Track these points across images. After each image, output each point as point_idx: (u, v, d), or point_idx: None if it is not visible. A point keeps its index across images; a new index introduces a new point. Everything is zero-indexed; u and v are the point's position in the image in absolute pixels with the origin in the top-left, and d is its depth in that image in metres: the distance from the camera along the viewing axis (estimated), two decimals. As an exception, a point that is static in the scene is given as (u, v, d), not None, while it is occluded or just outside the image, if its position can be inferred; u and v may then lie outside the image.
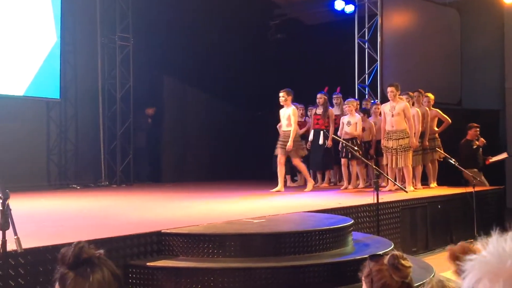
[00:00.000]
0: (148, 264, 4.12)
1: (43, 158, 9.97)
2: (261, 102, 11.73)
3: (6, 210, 3.33)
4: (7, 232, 3.34)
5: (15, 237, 3.29)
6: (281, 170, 8.42)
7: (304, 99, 10.22)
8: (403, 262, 2.18)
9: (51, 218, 5.65)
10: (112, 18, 10.59)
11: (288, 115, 8.27)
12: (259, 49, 12.24)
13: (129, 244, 4.20)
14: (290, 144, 8.16)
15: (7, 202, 3.36)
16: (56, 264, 3.52)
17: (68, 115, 10.39)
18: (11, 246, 3.33)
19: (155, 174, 11.30)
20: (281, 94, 8.33)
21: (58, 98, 9.84)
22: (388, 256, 2.21)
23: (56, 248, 3.77)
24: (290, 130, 8.22)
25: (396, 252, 2.24)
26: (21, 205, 6.33)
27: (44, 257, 3.72)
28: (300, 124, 9.68)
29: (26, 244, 3.42)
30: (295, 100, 10.21)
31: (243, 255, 4.29)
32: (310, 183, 8.71)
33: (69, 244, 3.82)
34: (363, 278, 2.23)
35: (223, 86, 11.98)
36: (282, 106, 8.45)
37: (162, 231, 4.43)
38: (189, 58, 11.28)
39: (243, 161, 11.91)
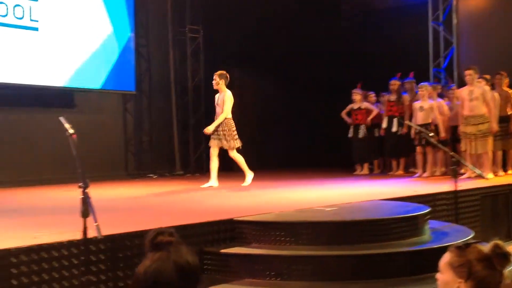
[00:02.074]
0: (221, 251, 4.18)
1: (121, 149, 10.34)
2: (334, 89, 11.58)
3: (86, 198, 3.46)
4: (87, 219, 3.48)
5: (95, 224, 3.42)
6: (213, 162, 7.53)
7: (376, 86, 10.02)
8: (507, 250, 2.05)
9: (129, 206, 5.85)
10: (182, 11, 10.78)
11: (222, 101, 7.43)
12: (331, 35, 12.06)
13: (203, 232, 4.27)
14: (210, 128, 7.31)
15: (87, 191, 3.50)
16: (137, 251, 3.62)
17: (143, 107, 10.72)
18: (91, 233, 3.46)
19: (228, 163, 11.41)
20: (214, 77, 7.57)
21: (134, 90, 10.15)
22: (491, 245, 2.08)
23: (133, 235, 3.90)
24: (227, 119, 7.41)
25: (497, 241, 2.10)
26: (101, 194, 6.60)
27: (123, 243, 3.85)
28: (359, 114, 9.59)
29: (105, 231, 3.55)
30: (367, 87, 10.07)
31: (316, 243, 4.26)
32: (249, 175, 7.70)
33: (146, 231, 3.94)
34: (452, 267, 2.09)
35: (294, 74, 11.92)
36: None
37: (235, 218, 4.47)
38: (259, 47, 11.29)
39: (316, 150, 11.83)
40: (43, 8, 8.83)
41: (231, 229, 4.43)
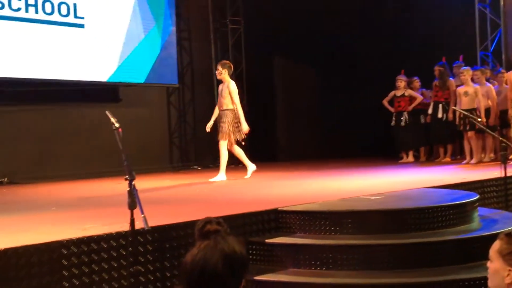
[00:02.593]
0: (266, 240, 4.19)
1: (166, 141, 10.50)
2: (374, 77, 11.40)
3: (133, 190, 3.53)
4: (134, 211, 3.55)
5: (142, 215, 3.48)
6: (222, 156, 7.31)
7: (421, 71, 9.82)
8: None
9: (174, 197, 5.94)
10: (223, 3, 10.81)
11: (227, 92, 7.17)
12: (372, 22, 11.85)
13: (248, 222, 4.30)
14: (245, 126, 7.11)
15: (133, 183, 3.56)
16: (184, 241, 3.66)
17: (186, 99, 10.83)
18: (138, 224, 3.52)
19: (270, 154, 11.43)
20: (217, 67, 7.40)
21: (176, 83, 10.26)
22: None
23: (180, 226, 3.95)
24: (229, 110, 7.13)
25: None
26: (147, 186, 6.72)
27: (169, 234, 3.91)
28: (402, 101, 9.43)
29: (152, 222, 3.61)
30: (411, 73, 9.87)
31: (361, 232, 4.22)
32: (251, 168, 7.56)
33: (192, 222, 3.98)
34: (501, 255, 2.03)
35: (335, 64, 11.78)
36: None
37: (279, 208, 4.48)
38: (299, 37, 11.21)
39: (358, 139, 11.68)
40: (88, 5, 9.00)
41: (276, 219, 4.44)
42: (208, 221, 1.85)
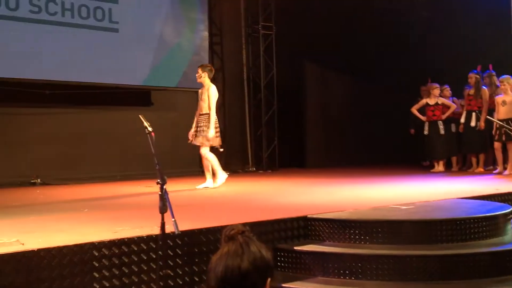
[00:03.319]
0: (295, 248, 4.18)
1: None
2: (406, 83, 11.28)
3: (164, 194, 3.56)
4: (165, 215, 3.58)
5: (173, 219, 3.51)
6: (207, 162, 7.12)
7: (454, 79, 9.69)
8: None
9: (203, 202, 5.97)
10: (255, 9, 10.85)
11: (206, 96, 6.97)
12: (403, 27, 11.74)
13: (277, 228, 4.29)
14: (211, 132, 6.82)
15: (164, 187, 3.60)
16: (213, 246, 3.68)
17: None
18: (169, 228, 3.55)
19: (299, 160, 11.42)
20: (197, 70, 7.12)
21: (207, 88, 10.32)
22: None
23: (209, 230, 3.97)
24: (206, 114, 6.97)
25: None
26: (177, 190, 6.77)
27: (199, 239, 3.93)
28: (436, 110, 9.30)
29: (182, 227, 3.64)
30: (444, 81, 9.74)
31: (392, 242, 4.17)
32: (222, 176, 7.20)
33: (221, 227, 4.00)
34: None
35: (366, 69, 11.71)
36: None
37: (308, 216, 4.46)
38: (331, 43, 11.17)
39: (390, 146, 11.58)
40: (122, 10, 9.14)
41: (305, 226, 4.42)
42: (233, 227, 1.87)
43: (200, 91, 7.17)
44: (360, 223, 4.26)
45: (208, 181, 7.14)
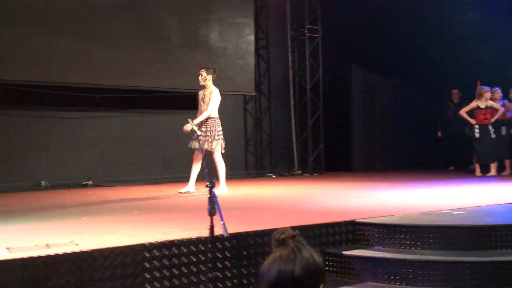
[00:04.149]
0: (343, 252, 4.14)
1: (241, 149, 10.62)
2: (454, 87, 11.04)
3: (213, 197, 3.59)
4: (214, 217, 3.61)
5: (222, 222, 3.53)
6: (195, 166, 6.92)
7: (504, 81, 9.45)
8: None
9: (251, 205, 5.99)
10: (301, 12, 10.83)
11: (209, 98, 6.80)
12: (448, 29, 11.47)
13: (325, 232, 4.26)
14: (189, 125, 6.47)
15: (213, 190, 3.62)
16: (261, 249, 3.69)
17: (262, 107, 10.92)
18: (217, 231, 3.57)
19: (346, 164, 11.31)
20: (199, 72, 6.88)
21: (253, 92, 10.37)
22: None
23: (257, 234, 3.98)
24: (213, 118, 6.80)
25: None
26: (225, 193, 6.81)
27: (247, 241, 3.94)
28: (487, 113, 9.07)
29: (230, 229, 3.65)
30: (493, 83, 9.48)
31: (443, 248, 4.09)
32: (223, 186, 6.99)
33: (269, 230, 3.99)
34: None
35: (412, 73, 11.50)
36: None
37: (357, 220, 4.41)
38: (378, 46, 11.03)
39: (437, 149, 11.34)
40: (170, 15, 9.28)
41: (353, 231, 4.38)
42: (284, 230, 1.85)
43: (201, 93, 6.94)
44: (410, 228, 4.18)
45: (190, 186, 6.90)
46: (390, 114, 11.66)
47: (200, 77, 6.85)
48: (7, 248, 3.42)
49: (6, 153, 8.13)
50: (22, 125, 8.36)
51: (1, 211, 5.62)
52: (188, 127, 6.60)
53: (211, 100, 6.81)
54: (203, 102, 6.85)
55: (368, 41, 10.96)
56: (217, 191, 6.71)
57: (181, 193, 6.87)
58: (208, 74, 6.85)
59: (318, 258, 1.78)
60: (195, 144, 6.74)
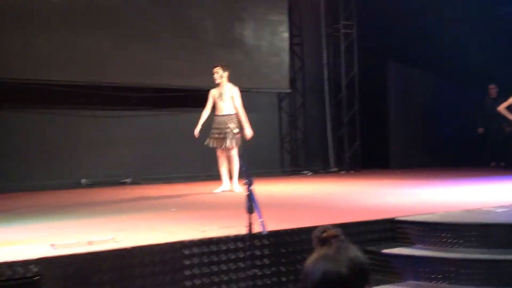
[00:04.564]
0: (383, 251, 4.09)
1: (277, 146, 10.61)
2: (491, 82, 10.78)
3: (251, 195, 3.59)
4: (252, 215, 3.61)
5: (260, 220, 3.53)
6: (222, 164, 6.93)
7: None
8: None
9: (287, 202, 5.97)
10: (336, 8, 10.74)
11: (229, 96, 6.85)
12: (487, 25, 11.18)
13: (364, 230, 4.21)
14: (250, 131, 6.60)
15: (251, 188, 3.63)
16: (299, 247, 3.67)
17: (297, 104, 10.88)
18: (256, 228, 3.58)
19: (383, 161, 11.17)
20: (215, 70, 6.89)
21: (288, 89, 10.34)
22: None
23: (295, 231, 3.96)
24: (233, 115, 6.80)
25: None
26: (260, 190, 6.80)
27: (285, 239, 3.93)
28: None
29: (268, 227, 3.65)
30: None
31: (486, 246, 3.99)
32: (226, 183, 6.97)
33: (307, 228, 3.97)
34: None
35: (451, 67, 11.26)
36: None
37: (396, 218, 4.35)
38: (415, 41, 10.84)
39: (477, 146, 11.09)
40: (203, 14, 9.33)
41: (393, 229, 4.32)
42: (326, 228, 1.82)
43: (217, 91, 6.93)
44: (452, 226, 4.10)
45: (226, 184, 6.96)
46: (428, 109, 11.45)
47: (216, 75, 6.88)
48: (51, 245, 3.50)
49: (48, 152, 8.31)
50: (63, 124, 8.53)
51: (44, 208, 5.76)
52: (248, 135, 6.83)
53: (237, 98, 6.87)
54: (221, 99, 6.87)
55: (405, 35, 10.78)
56: (236, 188, 6.86)
57: (217, 192, 6.92)
58: (224, 71, 6.89)
59: (363, 257, 1.75)
60: (213, 142, 6.80)
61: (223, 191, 6.93)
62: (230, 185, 6.98)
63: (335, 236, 1.76)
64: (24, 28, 7.81)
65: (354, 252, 1.72)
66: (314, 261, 1.72)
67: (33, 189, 7.56)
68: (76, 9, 8.27)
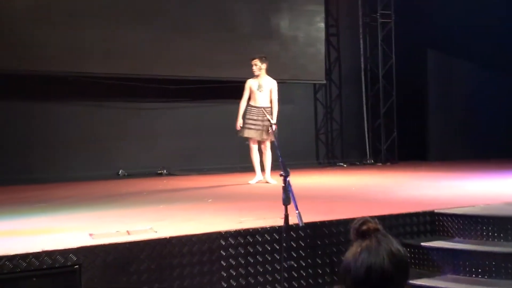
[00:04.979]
0: (422, 244, 4.03)
1: (312, 138, 10.55)
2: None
3: (288, 187, 3.57)
4: (288, 206, 3.59)
5: (297, 212, 3.51)
6: (257, 156, 6.96)
7: None
8: None
9: (323, 194, 5.94)
10: (373, -3, 10.58)
11: (270, 89, 6.91)
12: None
13: (402, 223, 4.16)
14: (274, 125, 6.22)
15: (288, 179, 3.61)
16: (335, 239, 3.64)
17: (333, 95, 10.79)
18: (292, 220, 3.56)
19: (421, 153, 10.99)
20: (253, 62, 6.93)
21: (324, 80, 10.26)
22: None
23: (332, 223, 3.94)
24: (269, 107, 6.82)
25: None
26: (296, 182, 6.78)
27: (321, 231, 3.91)
28: None
29: (305, 219, 3.63)
30: None
31: (529, 240, 3.88)
32: (270, 178, 6.95)
33: (344, 220, 3.94)
34: None
35: (493, 56, 10.98)
36: None
37: (436, 211, 4.28)
38: (454, 30, 10.59)
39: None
40: (240, 5, 9.32)
41: (432, 222, 4.25)
42: (365, 220, 1.77)
43: (255, 82, 6.94)
44: (493, 219, 4.01)
45: (258, 175, 7.01)
46: (469, 100, 11.18)
47: (255, 67, 6.95)
48: (90, 234, 3.56)
49: (89, 143, 8.47)
50: (103, 116, 8.68)
51: (83, 198, 5.88)
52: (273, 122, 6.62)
53: (275, 91, 6.96)
54: (260, 91, 6.92)
55: (445, 24, 10.54)
56: (271, 180, 6.87)
57: (252, 183, 6.96)
58: (263, 63, 6.95)
59: (404, 251, 1.71)
60: (251, 133, 6.86)
61: (258, 181, 6.97)
62: (263, 177, 7.01)
63: (376, 229, 1.72)
64: (69, 22, 7.97)
65: (396, 245, 1.69)
66: (355, 256, 1.68)
67: (74, 179, 7.72)
68: (119, 2, 8.38)
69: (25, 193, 6.41)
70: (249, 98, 7.01)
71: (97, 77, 8.27)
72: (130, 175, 8.42)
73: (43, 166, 8.14)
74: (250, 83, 7.00)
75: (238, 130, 6.98)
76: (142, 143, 8.86)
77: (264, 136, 6.88)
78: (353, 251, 1.70)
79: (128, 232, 3.58)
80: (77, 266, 3.15)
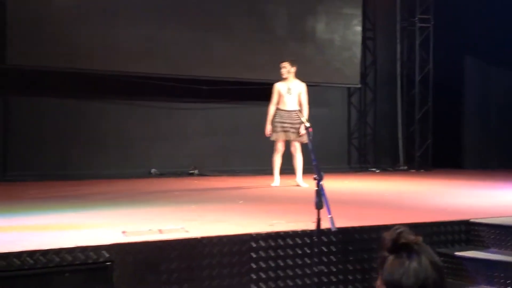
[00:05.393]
0: (456, 253, 3.95)
1: (344, 142, 10.46)
2: None
3: (321, 190, 3.54)
4: (320, 211, 3.56)
5: (329, 216, 3.48)
6: (279, 160, 7.00)
7: None
8: None
9: (356, 199, 5.87)
10: (412, 1, 10.43)
11: (299, 92, 6.90)
12: None
13: (436, 231, 4.09)
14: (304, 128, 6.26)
15: (321, 183, 3.57)
16: (367, 246, 3.60)
17: (368, 100, 10.68)
18: (324, 224, 3.53)
19: (456, 160, 10.78)
20: (283, 65, 6.92)
21: (358, 84, 10.16)
22: None
23: (364, 229, 3.89)
24: (298, 110, 6.77)
25: None
26: (328, 186, 6.72)
27: (353, 237, 3.87)
28: None
29: (337, 224, 3.59)
30: None
31: None
32: (302, 181, 6.93)
33: (377, 226, 3.88)
34: None
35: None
36: None
37: (471, 220, 4.18)
38: (494, 36, 10.36)
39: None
40: (275, 8, 9.31)
41: (467, 231, 4.17)
42: (401, 231, 1.70)
43: (284, 85, 6.96)
44: (530, 231, 3.90)
45: (278, 179, 7.03)
46: (506, 109, 10.92)
47: (284, 70, 6.96)
48: (123, 232, 3.59)
49: (121, 142, 8.58)
50: (135, 115, 8.78)
51: (116, 196, 5.94)
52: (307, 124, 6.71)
53: (304, 94, 6.97)
54: (289, 94, 6.94)
55: (484, 31, 10.33)
56: (302, 183, 6.84)
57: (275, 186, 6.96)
58: (292, 66, 6.96)
59: (440, 262, 1.65)
60: (283, 136, 6.90)
61: (276, 186, 6.96)
62: (295, 181, 7.01)
63: (415, 242, 1.65)
64: (107, 21, 8.09)
65: (436, 257, 1.63)
66: (398, 271, 1.58)
67: (107, 177, 7.82)
68: (157, 2, 8.47)
69: (60, 189, 6.53)
70: (278, 102, 7.00)
71: (134, 76, 8.36)
72: (161, 174, 8.49)
73: (79, 163, 8.27)
74: (279, 87, 7.01)
75: (270, 135, 6.99)
76: (175, 143, 8.92)
77: (292, 137, 6.88)
78: (393, 266, 1.62)
79: (160, 231, 3.60)
80: (109, 263, 3.18)
